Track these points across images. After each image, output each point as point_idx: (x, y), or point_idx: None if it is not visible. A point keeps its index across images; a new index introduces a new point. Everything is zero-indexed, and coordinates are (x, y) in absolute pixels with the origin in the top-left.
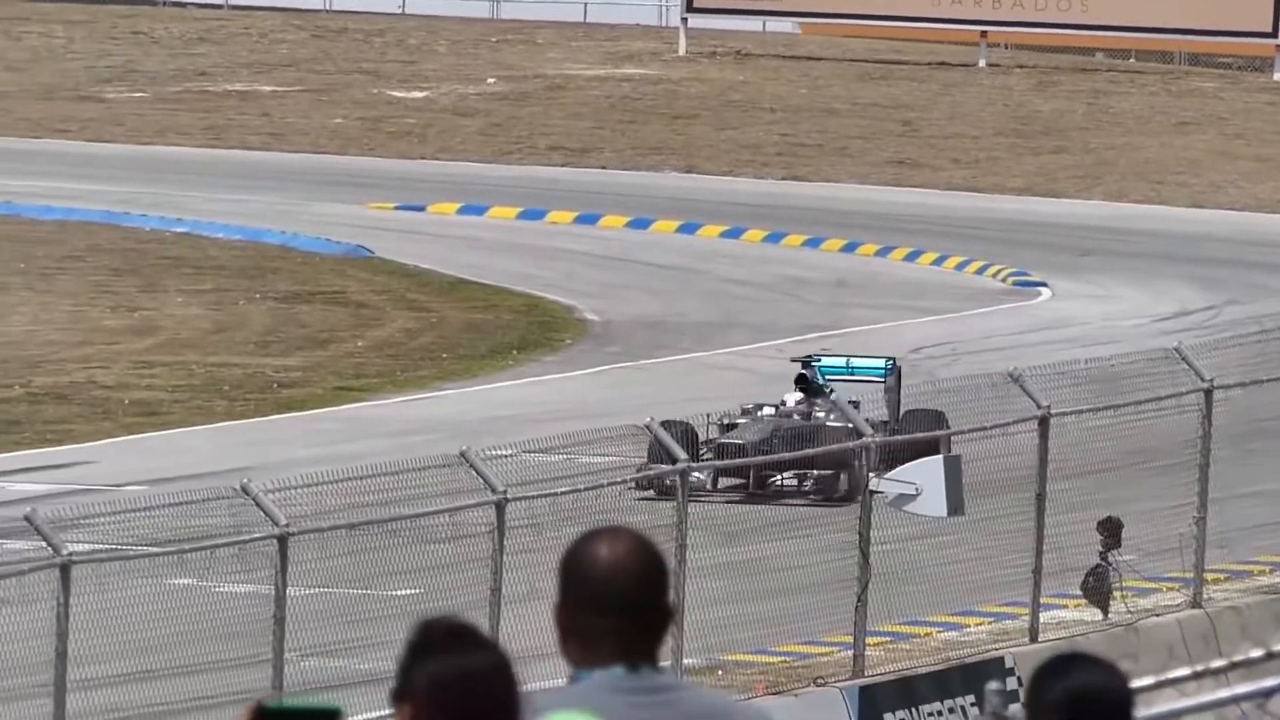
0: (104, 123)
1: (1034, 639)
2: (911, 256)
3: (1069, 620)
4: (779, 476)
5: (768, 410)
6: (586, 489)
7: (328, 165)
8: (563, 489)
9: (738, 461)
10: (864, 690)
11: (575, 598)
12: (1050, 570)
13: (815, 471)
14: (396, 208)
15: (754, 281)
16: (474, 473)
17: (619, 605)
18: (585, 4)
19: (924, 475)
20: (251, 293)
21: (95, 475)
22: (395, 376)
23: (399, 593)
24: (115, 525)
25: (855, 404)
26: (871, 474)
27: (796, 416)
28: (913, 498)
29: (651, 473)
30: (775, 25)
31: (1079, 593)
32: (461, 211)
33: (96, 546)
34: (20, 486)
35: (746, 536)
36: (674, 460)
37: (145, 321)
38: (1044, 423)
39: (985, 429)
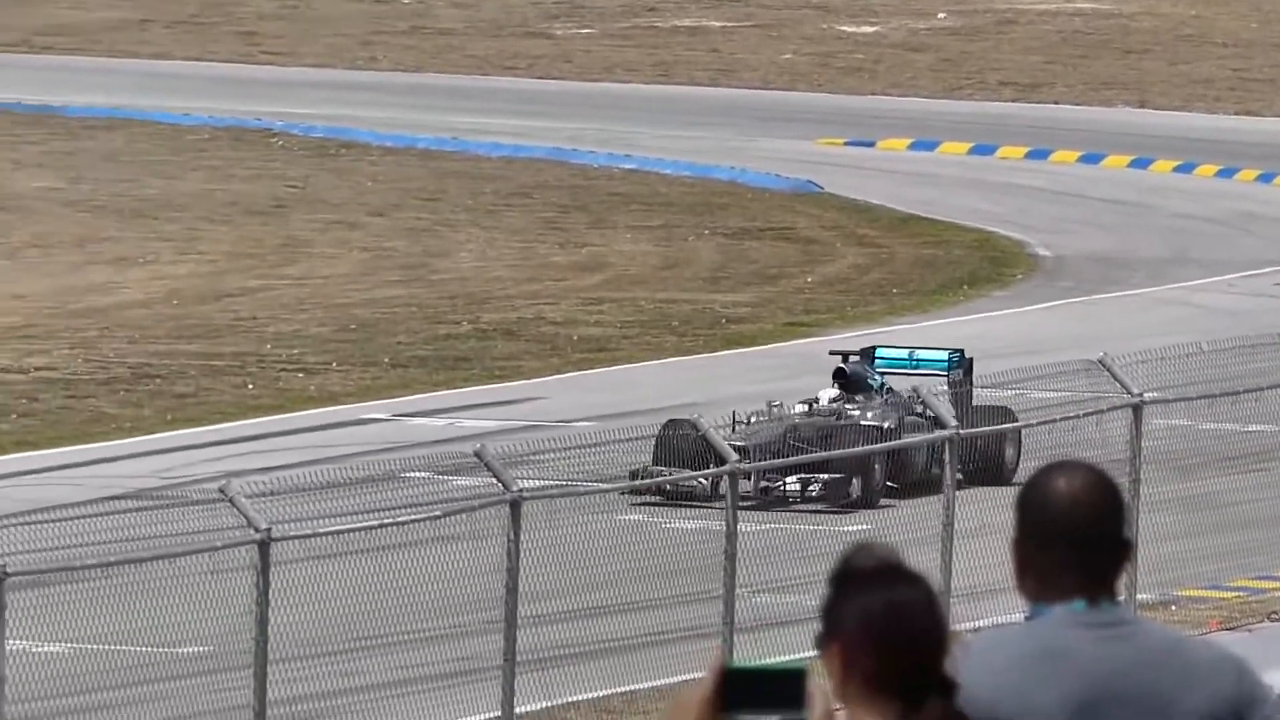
0: (552, 59)
1: None
2: None
3: None
4: (782, 482)
5: (799, 408)
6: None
7: (776, 101)
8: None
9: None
10: None
11: (1033, 531)
12: None
13: (824, 476)
14: (846, 143)
15: (1206, 216)
16: (930, 406)
17: (1077, 538)
18: None
19: None
20: (700, 229)
21: (544, 411)
22: (845, 312)
23: (850, 528)
24: (565, 461)
25: (920, 399)
26: None
27: (826, 415)
28: None
29: (663, 477)
30: None
31: None
32: (912, 147)
33: (546, 482)
34: (470, 423)
35: (1201, 470)
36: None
37: (593, 258)
38: None
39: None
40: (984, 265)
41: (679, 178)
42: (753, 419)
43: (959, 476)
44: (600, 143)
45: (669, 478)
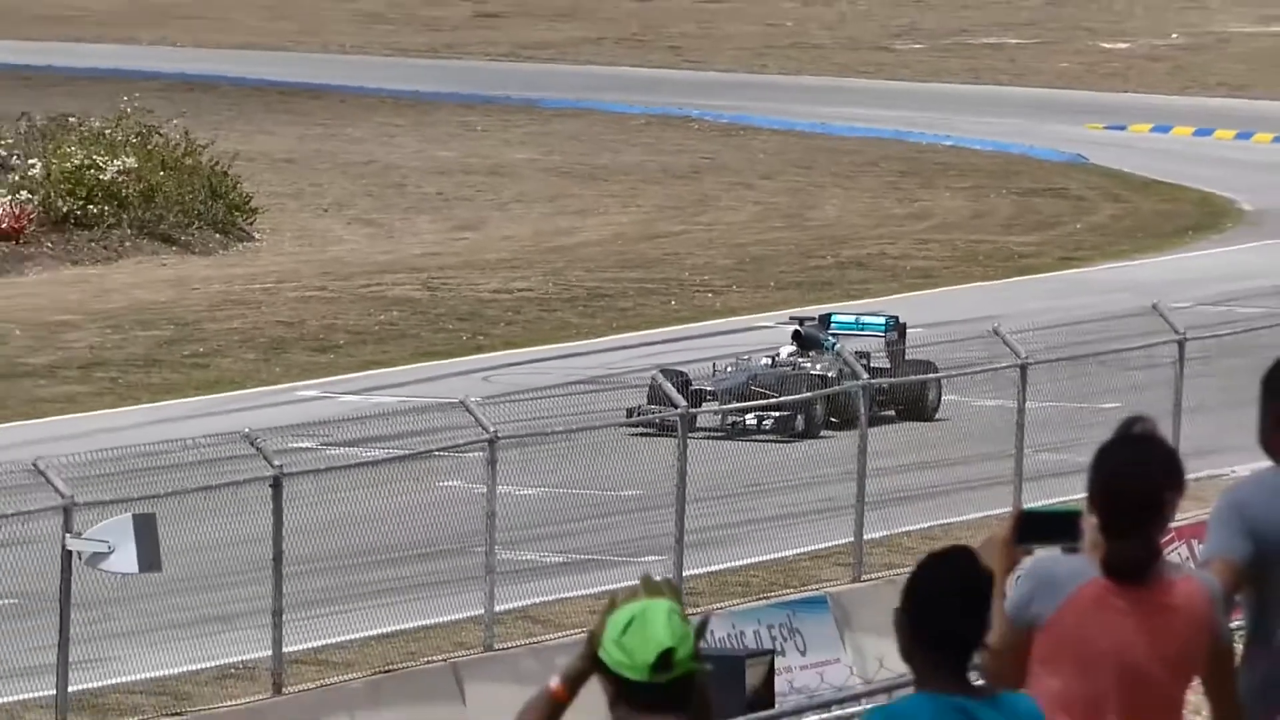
0: (894, 66)
1: None
2: None
3: None
4: (742, 418)
5: (763, 360)
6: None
7: (1056, 97)
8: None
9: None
10: None
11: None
12: None
13: (775, 413)
14: (1106, 128)
15: None
16: (1162, 319)
17: None
18: None
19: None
20: (1000, 189)
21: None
22: (1104, 249)
23: (1104, 406)
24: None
25: (866, 355)
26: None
27: (787, 367)
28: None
29: (651, 416)
30: None
31: None
32: (1153, 130)
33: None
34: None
35: None
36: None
37: (922, 210)
38: None
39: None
40: (1204, 217)
41: (985, 151)
42: (728, 368)
43: (892, 413)
44: (928, 126)
45: (648, 417)
